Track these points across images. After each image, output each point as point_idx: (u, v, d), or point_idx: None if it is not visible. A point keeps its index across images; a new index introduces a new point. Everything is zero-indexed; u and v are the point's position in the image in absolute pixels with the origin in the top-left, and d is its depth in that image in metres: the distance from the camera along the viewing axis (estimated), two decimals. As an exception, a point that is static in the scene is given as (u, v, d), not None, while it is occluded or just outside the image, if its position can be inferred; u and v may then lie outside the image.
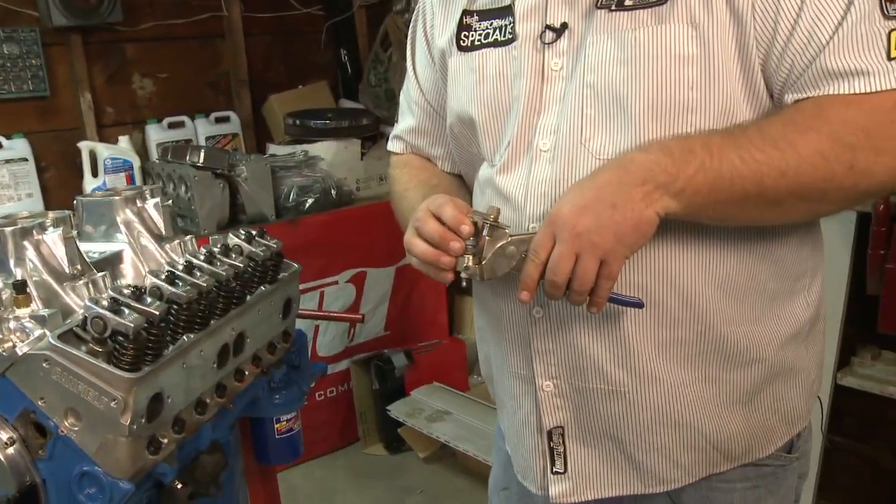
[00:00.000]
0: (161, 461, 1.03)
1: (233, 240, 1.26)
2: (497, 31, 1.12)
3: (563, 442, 1.14)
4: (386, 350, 3.24)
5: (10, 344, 0.97)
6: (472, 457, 2.77)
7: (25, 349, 0.96)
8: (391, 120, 1.59)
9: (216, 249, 1.20)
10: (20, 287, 1.04)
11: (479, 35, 1.14)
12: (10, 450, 0.98)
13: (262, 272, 1.27)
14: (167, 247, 1.30)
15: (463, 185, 1.29)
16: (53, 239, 1.13)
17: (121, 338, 0.94)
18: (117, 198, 1.30)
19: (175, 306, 1.04)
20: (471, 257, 1.02)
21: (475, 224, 1.02)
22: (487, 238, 1.01)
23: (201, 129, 3.30)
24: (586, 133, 1.03)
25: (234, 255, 1.22)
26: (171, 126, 3.21)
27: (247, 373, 1.24)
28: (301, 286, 1.43)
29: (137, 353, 0.95)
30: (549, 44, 1.07)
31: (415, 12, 1.31)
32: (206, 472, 1.16)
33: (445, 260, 1.02)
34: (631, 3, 1.00)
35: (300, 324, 1.45)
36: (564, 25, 1.06)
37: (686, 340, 1.06)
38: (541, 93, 1.08)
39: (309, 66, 3.67)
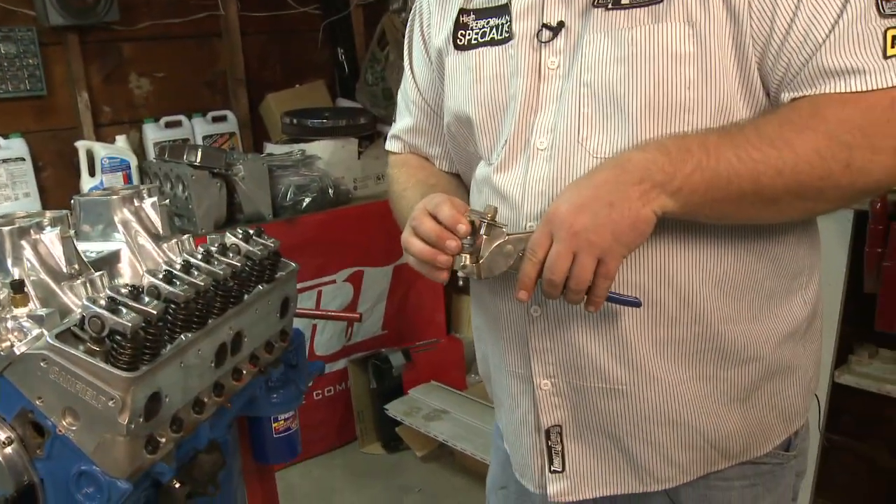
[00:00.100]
0: (159, 460, 1.03)
1: (230, 239, 1.26)
2: (494, 30, 1.12)
3: (562, 441, 1.14)
4: (383, 349, 3.24)
5: (8, 343, 0.97)
6: (469, 456, 2.77)
7: (23, 349, 0.96)
8: (388, 119, 1.59)
9: (213, 248, 1.20)
10: (18, 286, 1.04)
11: (476, 34, 1.14)
12: (8, 449, 0.98)
13: (260, 271, 1.27)
14: (164, 246, 1.30)
15: (461, 184, 1.29)
16: (51, 238, 1.13)
17: (118, 337, 0.94)
18: (115, 197, 1.30)
19: (173, 305, 1.04)
20: (468, 256, 1.01)
21: (472, 223, 1.01)
22: (485, 237, 1.01)
23: (198, 128, 3.29)
24: (583, 132, 1.03)
25: (231, 255, 1.21)
26: (168, 125, 3.21)
27: (244, 372, 1.24)
28: (298, 285, 1.43)
29: (135, 353, 0.95)
30: (545, 42, 1.07)
31: (412, 11, 1.31)
32: (204, 471, 1.16)
33: (442, 259, 1.02)
34: (627, 2, 1.00)
35: (298, 323, 1.45)
36: (561, 24, 1.06)
37: (684, 339, 1.06)
38: (537, 91, 1.08)
39: (306, 65, 3.67)
